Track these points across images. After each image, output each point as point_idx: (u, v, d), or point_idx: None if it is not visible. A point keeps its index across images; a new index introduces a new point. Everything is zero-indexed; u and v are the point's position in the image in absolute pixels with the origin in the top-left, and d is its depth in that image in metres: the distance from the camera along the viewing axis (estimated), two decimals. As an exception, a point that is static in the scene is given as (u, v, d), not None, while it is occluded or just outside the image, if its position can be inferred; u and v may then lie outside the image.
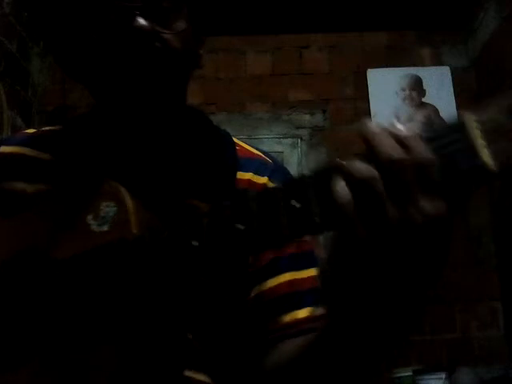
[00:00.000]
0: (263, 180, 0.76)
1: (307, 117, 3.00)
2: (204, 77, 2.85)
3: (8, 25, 2.53)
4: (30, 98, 2.79)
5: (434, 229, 0.43)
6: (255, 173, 0.77)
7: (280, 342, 0.69)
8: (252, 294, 0.73)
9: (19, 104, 2.64)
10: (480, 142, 0.43)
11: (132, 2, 0.63)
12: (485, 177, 0.43)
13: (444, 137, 0.45)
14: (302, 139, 2.95)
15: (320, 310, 0.72)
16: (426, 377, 2.44)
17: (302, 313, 0.71)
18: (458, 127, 0.44)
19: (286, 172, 0.82)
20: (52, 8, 0.68)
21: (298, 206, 0.49)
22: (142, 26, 0.62)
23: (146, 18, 0.63)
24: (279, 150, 2.89)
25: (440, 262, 0.46)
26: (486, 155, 0.43)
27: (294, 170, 2.82)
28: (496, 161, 0.42)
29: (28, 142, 0.78)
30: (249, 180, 0.76)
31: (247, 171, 0.77)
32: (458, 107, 2.91)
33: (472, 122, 0.44)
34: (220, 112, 2.89)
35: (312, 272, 0.75)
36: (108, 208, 0.62)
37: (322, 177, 0.49)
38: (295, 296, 0.73)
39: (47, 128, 0.81)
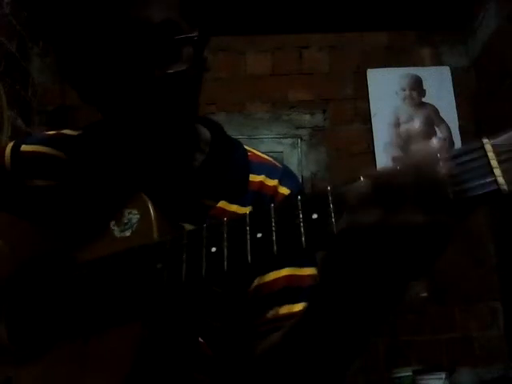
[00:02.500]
0: (274, 182, 0.80)
1: (307, 117, 3.00)
2: (204, 77, 2.85)
3: (8, 25, 2.53)
4: (30, 97, 2.79)
5: (422, 237, 0.46)
6: (267, 175, 0.80)
7: (273, 333, 0.71)
8: (253, 285, 0.74)
9: (19, 104, 2.64)
10: (494, 163, 0.46)
11: (150, 51, 0.65)
12: (496, 196, 0.46)
13: (462, 156, 0.48)
14: (301, 139, 2.95)
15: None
16: (425, 377, 2.44)
17: (298, 307, 0.73)
18: (476, 148, 0.47)
19: (294, 176, 0.87)
20: (78, 45, 0.70)
21: (317, 218, 0.50)
22: (161, 74, 0.66)
23: (162, 64, 0.66)
24: (279, 150, 2.89)
25: (423, 267, 0.48)
26: (499, 176, 0.45)
27: (294, 169, 2.81)
28: (508, 184, 0.45)
29: (49, 142, 0.81)
30: (261, 182, 0.80)
31: (259, 174, 0.81)
32: (457, 107, 2.91)
33: (488, 146, 0.47)
34: (220, 112, 2.89)
35: (313, 271, 0.77)
36: (131, 215, 0.65)
37: (340, 191, 0.50)
38: (294, 290, 0.74)
39: (67, 131, 0.83)
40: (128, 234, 0.64)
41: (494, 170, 0.46)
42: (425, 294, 2.74)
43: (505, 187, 0.45)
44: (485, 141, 0.47)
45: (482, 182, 0.46)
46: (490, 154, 0.46)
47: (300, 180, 0.87)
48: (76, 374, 0.61)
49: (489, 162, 0.46)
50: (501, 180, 0.45)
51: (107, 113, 0.73)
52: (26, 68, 2.75)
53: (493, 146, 0.47)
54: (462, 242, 2.77)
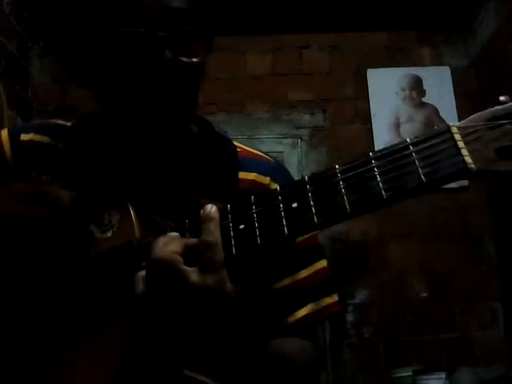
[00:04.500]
0: (266, 180, 0.80)
1: (307, 117, 3.00)
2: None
3: (8, 25, 2.53)
4: (30, 98, 2.79)
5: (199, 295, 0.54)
6: (259, 173, 0.80)
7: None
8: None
9: (19, 104, 2.64)
10: (461, 144, 0.49)
11: (156, 32, 0.65)
12: (465, 174, 0.49)
13: (431, 139, 0.51)
14: (301, 139, 2.95)
15: (324, 301, 0.78)
16: (425, 377, 2.44)
17: (303, 311, 0.76)
18: (443, 131, 0.51)
19: (285, 171, 0.85)
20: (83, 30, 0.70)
21: (297, 207, 0.53)
22: (169, 58, 0.65)
23: (171, 48, 0.66)
24: (279, 150, 2.89)
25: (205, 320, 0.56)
26: (466, 155, 0.49)
27: (294, 169, 2.82)
28: (475, 163, 0.48)
29: (45, 130, 0.79)
30: (253, 180, 0.79)
31: (251, 171, 0.80)
32: (457, 107, 2.91)
33: (454, 128, 0.50)
34: (220, 112, 2.89)
35: (310, 270, 0.79)
36: (111, 216, 0.65)
37: (319, 180, 0.53)
38: (296, 296, 0.77)
39: (59, 121, 0.81)
40: (109, 234, 0.64)
41: (461, 151, 0.49)
42: (425, 294, 2.74)
43: (472, 166, 0.48)
44: (451, 123, 0.51)
45: (451, 162, 0.49)
46: (457, 136, 0.50)
47: (292, 175, 0.87)
48: (68, 377, 0.61)
49: (456, 143, 0.50)
50: (468, 159, 0.48)
51: (106, 96, 0.71)
52: (26, 68, 2.75)
53: (458, 128, 0.50)
54: (462, 242, 2.77)
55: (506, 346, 2.66)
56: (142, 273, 0.56)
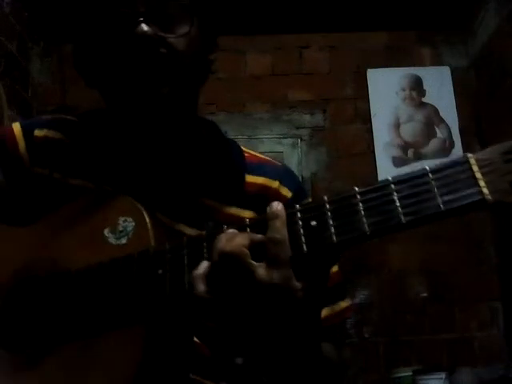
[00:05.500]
0: (275, 184, 0.80)
1: (307, 117, 3.00)
2: (208, 77, 2.84)
3: (8, 25, 2.53)
4: (30, 98, 2.79)
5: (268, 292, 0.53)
6: (267, 177, 0.80)
7: None
8: None
9: (19, 104, 2.64)
10: (478, 176, 0.51)
11: (135, 9, 0.65)
12: (481, 205, 0.50)
13: (449, 168, 0.52)
14: (301, 139, 2.95)
15: (339, 305, 0.80)
16: (425, 377, 2.43)
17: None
18: (461, 162, 0.52)
19: (293, 174, 0.87)
20: (70, 19, 0.72)
21: (316, 226, 0.54)
22: (144, 32, 0.64)
23: (149, 24, 0.65)
24: (279, 150, 2.89)
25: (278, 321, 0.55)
26: (483, 186, 0.50)
27: (293, 170, 2.81)
28: (492, 194, 0.50)
29: (55, 126, 0.78)
30: (262, 184, 0.79)
31: (260, 175, 0.80)
32: (457, 107, 2.91)
33: (472, 159, 0.52)
34: (220, 112, 2.89)
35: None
36: (126, 223, 0.65)
37: (338, 200, 0.55)
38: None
39: (66, 116, 0.81)
40: (124, 241, 0.64)
41: (479, 181, 0.51)
42: (425, 294, 2.74)
43: (489, 197, 0.50)
44: (469, 155, 0.52)
45: (469, 192, 0.51)
46: (474, 167, 0.51)
47: (299, 178, 0.88)
48: (77, 377, 0.61)
49: (474, 174, 0.51)
50: (485, 190, 0.50)
51: (110, 93, 0.71)
52: (25, 68, 2.75)
53: (476, 159, 0.52)
54: (462, 242, 2.77)
55: (506, 346, 2.66)
56: (199, 271, 0.55)
